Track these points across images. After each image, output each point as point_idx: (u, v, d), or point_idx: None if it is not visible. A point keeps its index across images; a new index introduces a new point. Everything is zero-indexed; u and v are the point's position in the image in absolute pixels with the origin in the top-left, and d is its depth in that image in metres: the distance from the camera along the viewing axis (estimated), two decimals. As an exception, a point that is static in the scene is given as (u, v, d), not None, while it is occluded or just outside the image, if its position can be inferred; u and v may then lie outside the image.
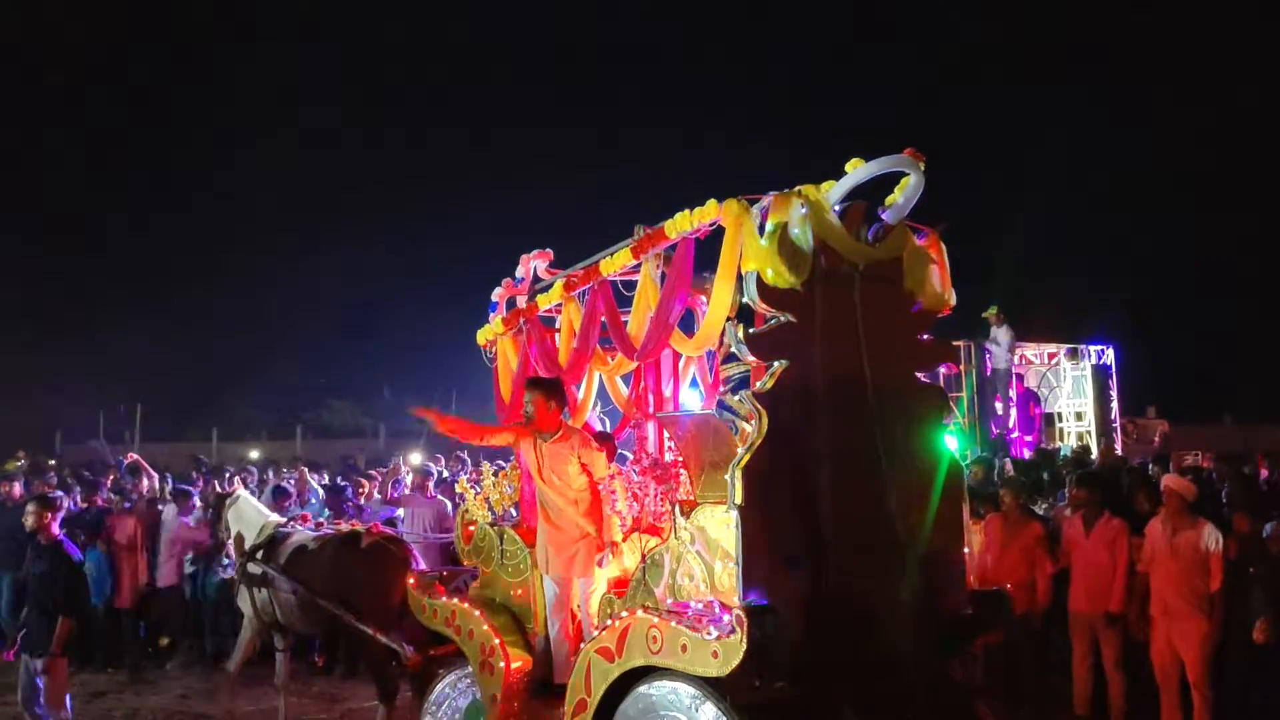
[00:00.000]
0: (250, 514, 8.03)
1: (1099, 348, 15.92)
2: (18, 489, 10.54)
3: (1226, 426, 20.98)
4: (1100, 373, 15.53)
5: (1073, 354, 15.86)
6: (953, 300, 4.55)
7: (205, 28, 34.41)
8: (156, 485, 11.11)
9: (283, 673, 7.77)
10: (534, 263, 5.71)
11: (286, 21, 33.91)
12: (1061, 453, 13.13)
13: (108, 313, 28.42)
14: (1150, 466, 10.41)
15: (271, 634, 7.69)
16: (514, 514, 5.79)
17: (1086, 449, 13.54)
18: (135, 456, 12.55)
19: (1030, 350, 15.71)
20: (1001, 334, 14.17)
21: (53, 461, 16.81)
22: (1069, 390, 15.69)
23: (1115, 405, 15.67)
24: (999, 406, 14.21)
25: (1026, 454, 13.12)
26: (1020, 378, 14.07)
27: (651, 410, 5.56)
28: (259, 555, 7.55)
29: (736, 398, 4.52)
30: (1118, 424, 15.71)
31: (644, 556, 4.55)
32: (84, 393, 23.97)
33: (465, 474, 9.39)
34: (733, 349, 4.35)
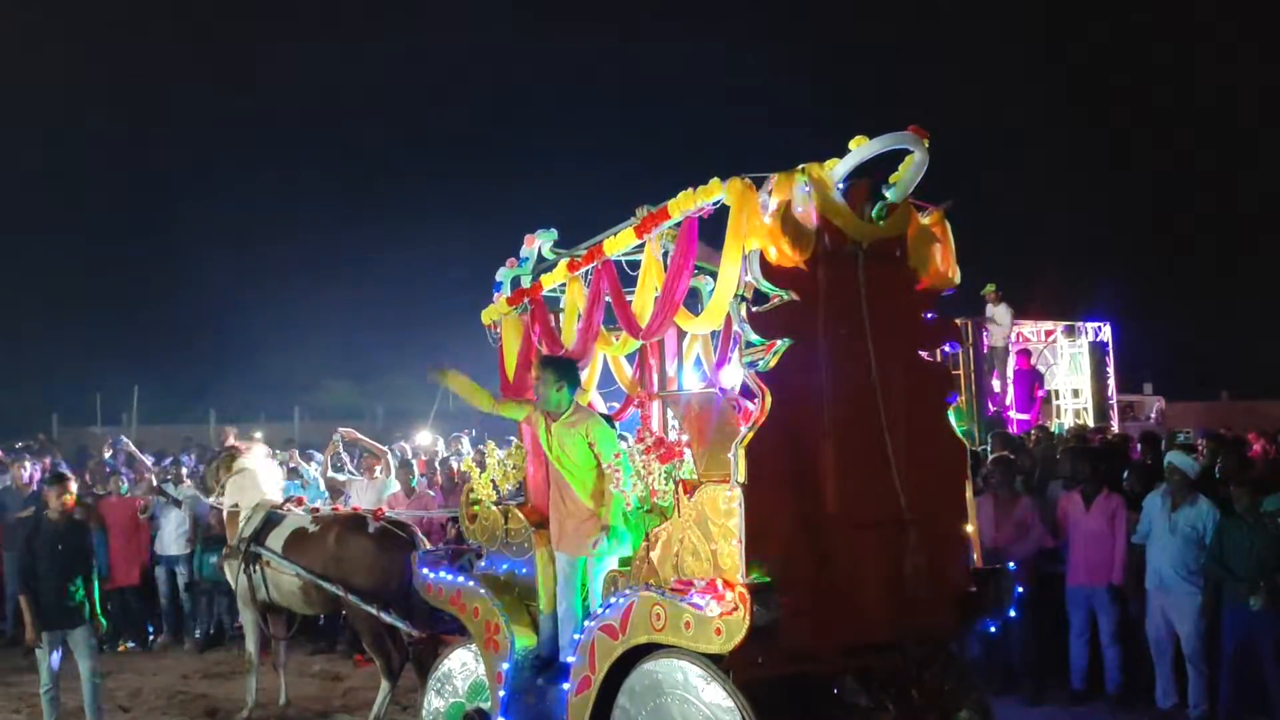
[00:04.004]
0: (251, 488, 7.90)
1: (1096, 324, 15.94)
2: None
3: (1224, 403, 21.05)
4: (1097, 349, 15.55)
5: (1070, 331, 15.88)
6: (957, 278, 4.55)
7: (205, 25, 34.11)
8: (151, 474, 11.10)
9: (281, 653, 7.81)
10: (539, 242, 5.69)
11: (285, 17, 33.63)
12: (1058, 431, 13.16)
13: (105, 294, 28.32)
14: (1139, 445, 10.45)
15: (266, 614, 7.68)
16: (511, 493, 5.81)
17: (1087, 428, 13.58)
18: (129, 444, 12.62)
19: (1027, 327, 15.73)
20: (1000, 312, 14.17)
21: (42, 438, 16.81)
22: (1066, 367, 15.73)
23: (1112, 382, 15.71)
24: (996, 384, 14.23)
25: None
26: (1027, 354, 14.08)
27: (655, 390, 5.56)
28: (254, 537, 7.51)
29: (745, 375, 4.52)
30: (1114, 401, 15.75)
31: (648, 535, 4.57)
32: (81, 375, 23.91)
33: (467, 455, 9.40)
34: (736, 327, 4.36)
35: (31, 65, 28.88)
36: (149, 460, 11.46)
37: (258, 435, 11.62)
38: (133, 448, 11.79)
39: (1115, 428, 14.38)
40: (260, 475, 8.11)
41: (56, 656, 6.81)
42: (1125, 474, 7.76)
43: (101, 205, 28.98)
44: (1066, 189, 29.65)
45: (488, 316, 5.98)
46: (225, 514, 7.90)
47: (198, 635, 9.93)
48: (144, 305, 26.91)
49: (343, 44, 33.96)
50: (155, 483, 10.34)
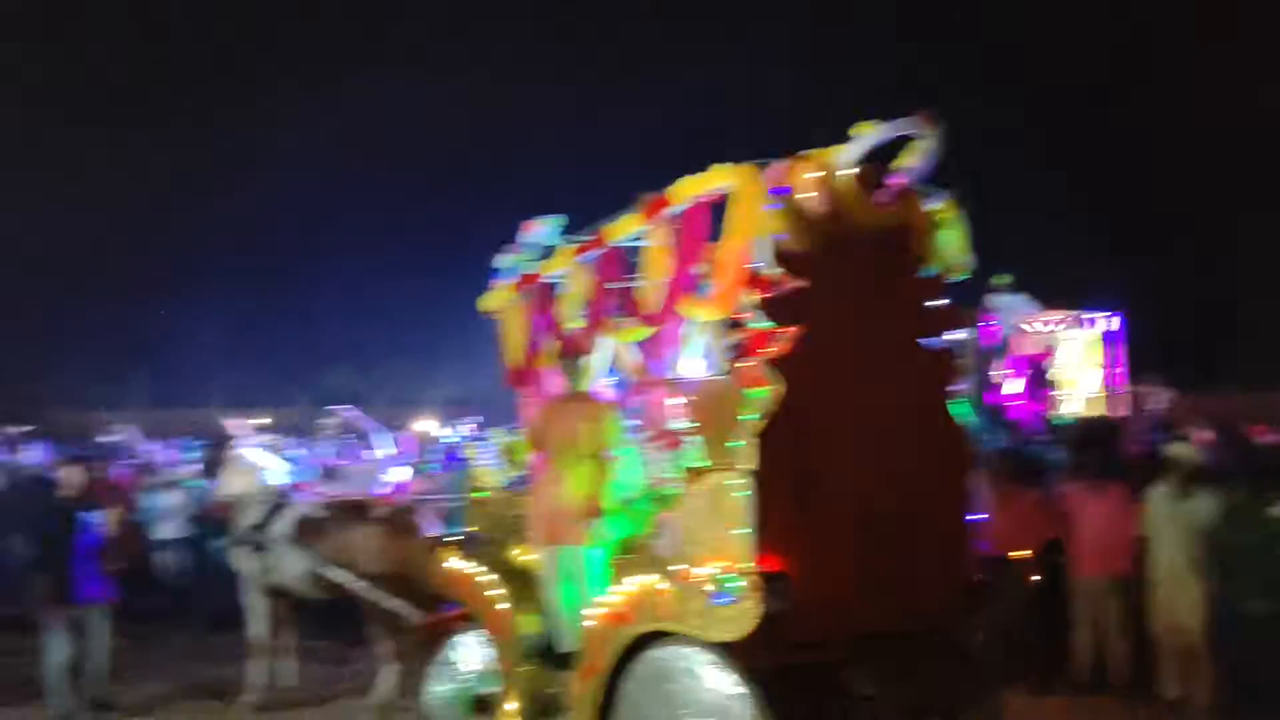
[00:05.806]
0: (250, 475, 7.96)
1: (1105, 314, 15.85)
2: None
3: (1234, 395, 20.94)
4: (1107, 340, 15.48)
5: (1078, 321, 15.80)
6: (967, 266, 4.53)
7: (203, 21, 34.05)
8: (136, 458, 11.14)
9: (287, 637, 7.82)
10: (542, 228, 5.66)
11: (287, 16, 33.60)
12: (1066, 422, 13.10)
13: (108, 280, 28.36)
14: (1154, 435, 10.41)
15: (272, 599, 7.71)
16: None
17: (1094, 419, 13.52)
18: (126, 431, 12.68)
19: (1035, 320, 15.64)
20: (1013, 301, 14.09)
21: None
22: (1074, 358, 15.65)
23: (1121, 372, 15.63)
24: (1001, 374, 14.16)
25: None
26: (1050, 352, 14.00)
27: (661, 377, 5.54)
28: (259, 522, 7.54)
29: (740, 365, 4.50)
30: (1124, 392, 15.68)
31: (655, 522, 4.55)
32: (82, 362, 24.00)
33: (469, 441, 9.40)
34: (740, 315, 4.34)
35: (29, 59, 28.88)
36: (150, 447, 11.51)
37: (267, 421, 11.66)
38: (130, 435, 11.84)
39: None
40: (259, 462, 8.17)
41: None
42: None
43: (103, 196, 28.97)
44: (1076, 179, 29.50)
45: (487, 303, 5.96)
46: (226, 500, 7.92)
47: (203, 619, 9.95)
48: (145, 293, 26.93)
49: (340, 44, 33.95)
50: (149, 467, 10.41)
